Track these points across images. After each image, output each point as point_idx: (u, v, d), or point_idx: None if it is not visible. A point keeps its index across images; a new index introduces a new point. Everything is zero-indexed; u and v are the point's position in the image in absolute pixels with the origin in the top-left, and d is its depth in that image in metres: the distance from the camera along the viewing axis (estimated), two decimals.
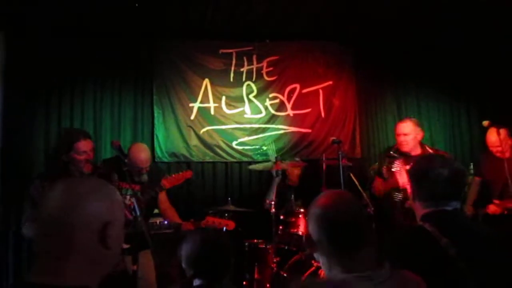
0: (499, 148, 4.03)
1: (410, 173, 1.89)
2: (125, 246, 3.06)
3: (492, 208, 4.06)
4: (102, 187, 1.17)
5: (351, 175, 4.36)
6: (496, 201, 4.07)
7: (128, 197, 3.29)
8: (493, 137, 4.09)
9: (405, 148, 4.02)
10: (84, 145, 3.06)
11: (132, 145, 3.71)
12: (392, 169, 4.06)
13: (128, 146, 3.68)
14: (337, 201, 1.39)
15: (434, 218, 1.77)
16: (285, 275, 3.93)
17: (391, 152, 4.06)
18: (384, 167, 4.13)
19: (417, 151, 4.04)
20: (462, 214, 1.90)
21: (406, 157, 3.98)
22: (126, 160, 2.80)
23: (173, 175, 3.67)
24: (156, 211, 3.96)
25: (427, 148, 4.07)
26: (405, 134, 4.02)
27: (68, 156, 3.01)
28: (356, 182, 4.41)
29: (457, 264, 1.57)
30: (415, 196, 1.83)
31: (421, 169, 1.84)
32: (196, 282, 1.98)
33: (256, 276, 4.20)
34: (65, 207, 1.08)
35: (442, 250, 1.60)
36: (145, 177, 3.59)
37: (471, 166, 4.99)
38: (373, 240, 1.35)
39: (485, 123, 4.06)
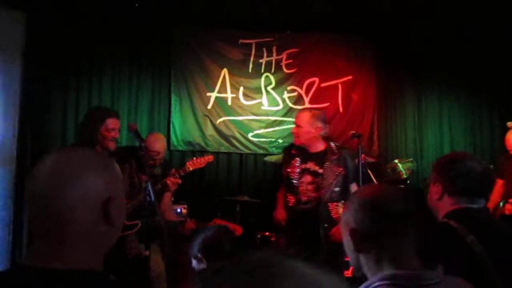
0: None
1: (441, 166, 1.80)
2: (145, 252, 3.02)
3: (508, 208, 3.98)
4: (99, 159, 1.05)
5: (369, 171, 4.30)
6: (511, 200, 3.98)
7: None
8: None
9: (297, 141, 3.52)
10: (114, 123, 3.07)
11: (148, 134, 3.74)
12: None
13: (145, 134, 3.69)
14: (389, 190, 1.30)
15: (460, 215, 1.70)
16: None
17: (292, 150, 3.57)
18: (284, 166, 3.61)
19: (319, 147, 3.51)
20: (488, 212, 1.83)
21: (304, 154, 3.50)
22: (143, 144, 2.78)
23: (196, 158, 3.67)
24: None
25: (332, 144, 3.55)
26: (298, 126, 3.51)
27: (97, 131, 2.99)
28: (374, 179, 4.35)
29: (484, 262, 1.52)
30: (446, 191, 1.74)
31: (455, 160, 1.76)
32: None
33: None
34: (59, 184, 0.96)
35: (469, 247, 1.55)
36: (158, 170, 3.58)
37: (491, 168, 4.88)
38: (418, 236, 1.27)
39: (510, 124, 3.98)
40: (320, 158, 3.48)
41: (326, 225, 3.40)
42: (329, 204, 3.44)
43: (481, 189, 1.73)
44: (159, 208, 2.69)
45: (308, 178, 3.47)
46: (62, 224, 0.96)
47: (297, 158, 3.51)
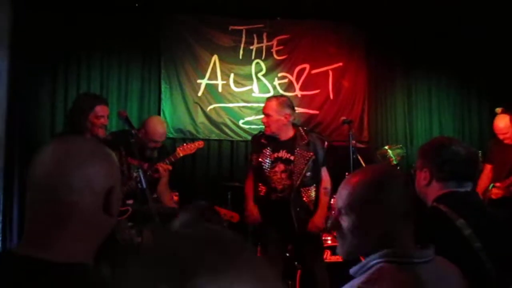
0: (507, 135, 3.99)
1: (427, 152, 1.82)
2: (130, 224, 3.05)
3: (494, 192, 4.04)
4: (100, 149, 1.07)
5: (359, 157, 4.32)
6: (498, 184, 4.04)
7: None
8: (501, 123, 4.05)
9: (267, 130, 3.48)
10: (104, 109, 3.06)
11: (149, 117, 3.71)
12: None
13: (143, 119, 3.67)
14: (392, 170, 1.34)
15: (449, 199, 1.73)
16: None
17: (262, 139, 3.53)
18: (254, 155, 3.58)
19: (288, 134, 3.49)
20: (476, 195, 1.85)
21: (275, 143, 3.48)
22: (133, 131, 2.77)
23: (187, 144, 3.65)
24: None
25: (300, 130, 3.55)
26: (267, 115, 3.47)
27: (86, 118, 2.98)
28: (364, 165, 4.37)
29: (473, 245, 1.55)
30: (434, 176, 1.76)
31: (441, 146, 1.79)
32: None
33: (258, 255, 4.19)
34: (63, 172, 0.97)
35: (458, 231, 1.57)
36: (155, 153, 3.57)
37: (480, 154, 4.94)
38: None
39: (498, 110, 4.02)
40: (290, 145, 3.48)
41: (298, 208, 3.44)
42: (301, 189, 3.47)
43: (467, 172, 1.76)
44: (151, 195, 2.69)
45: (281, 166, 3.47)
46: (65, 212, 0.97)
47: (268, 148, 3.49)
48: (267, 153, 3.49)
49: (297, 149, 3.46)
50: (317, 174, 3.51)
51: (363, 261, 1.24)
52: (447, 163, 1.73)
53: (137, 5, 4.65)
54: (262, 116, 5.50)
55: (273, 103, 3.48)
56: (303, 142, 3.47)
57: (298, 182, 3.43)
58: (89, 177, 0.98)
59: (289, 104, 3.54)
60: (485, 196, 4.01)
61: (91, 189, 0.99)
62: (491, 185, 4.10)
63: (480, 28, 5.44)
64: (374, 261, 1.21)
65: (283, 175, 3.47)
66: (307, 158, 3.45)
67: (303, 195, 3.48)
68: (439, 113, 5.96)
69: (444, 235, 1.59)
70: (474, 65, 5.81)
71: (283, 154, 3.48)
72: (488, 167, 4.11)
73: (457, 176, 1.73)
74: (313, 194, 3.52)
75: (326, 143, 3.57)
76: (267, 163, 3.48)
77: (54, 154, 0.99)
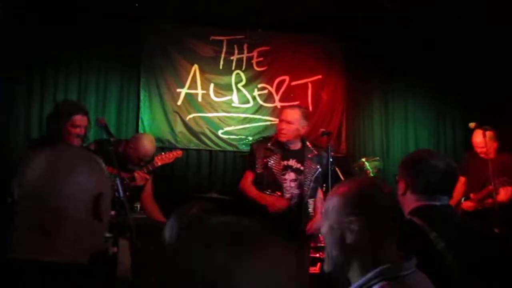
0: (484, 149, 4.07)
1: (405, 163, 1.86)
2: (108, 235, 3.00)
3: (466, 204, 4.13)
4: (90, 157, 1.12)
5: (337, 169, 4.37)
6: (472, 195, 4.13)
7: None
8: (479, 138, 4.13)
9: (283, 138, 3.45)
10: (81, 120, 3.01)
11: (140, 135, 3.72)
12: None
13: (135, 135, 3.68)
14: (380, 183, 1.34)
15: (423, 212, 1.76)
16: None
17: (269, 145, 3.52)
18: (259, 160, 3.52)
19: (297, 145, 3.52)
20: (451, 209, 1.89)
21: (284, 151, 3.49)
22: (111, 139, 2.75)
23: (165, 153, 3.63)
24: None
25: (307, 143, 3.59)
26: (288, 122, 3.45)
27: (62, 126, 2.93)
28: (342, 177, 4.43)
29: (446, 258, 1.57)
30: (409, 187, 1.80)
31: (419, 159, 1.82)
32: None
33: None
34: (54, 180, 1.01)
35: (431, 244, 1.60)
36: (137, 168, 3.54)
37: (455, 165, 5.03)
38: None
39: (471, 124, 4.10)
40: (299, 155, 3.52)
41: (304, 219, 3.50)
42: (308, 200, 3.52)
43: (443, 187, 1.78)
44: (128, 204, 2.66)
45: (292, 175, 3.50)
46: (57, 218, 1.01)
47: (277, 154, 3.49)
48: (277, 159, 3.48)
49: (306, 160, 3.51)
50: (318, 188, 3.58)
51: (363, 280, 1.23)
52: (421, 177, 1.76)
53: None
54: (241, 126, 5.63)
55: (297, 112, 3.51)
56: (311, 155, 3.53)
57: (308, 193, 3.48)
58: (79, 185, 1.03)
59: (308, 116, 3.62)
60: (458, 209, 4.09)
61: (81, 196, 1.04)
62: (464, 198, 4.18)
63: (455, 42, 5.59)
64: (376, 280, 1.20)
65: (293, 184, 3.49)
66: (314, 170, 3.51)
67: (310, 206, 3.53)
68: (415, 125, 6.09)
69: (418, 248, 1.61)
70: (449, 78, 5.95)
71: (293, 163, 3.50)
72: (462, 179, 4.18)
73: (431, 190, 1.76)
74: (312, 205, 3.55)
75: (330, 159, 3.61)
76: (279, 170, 3.48)
77: (45, 163, 1.03)
